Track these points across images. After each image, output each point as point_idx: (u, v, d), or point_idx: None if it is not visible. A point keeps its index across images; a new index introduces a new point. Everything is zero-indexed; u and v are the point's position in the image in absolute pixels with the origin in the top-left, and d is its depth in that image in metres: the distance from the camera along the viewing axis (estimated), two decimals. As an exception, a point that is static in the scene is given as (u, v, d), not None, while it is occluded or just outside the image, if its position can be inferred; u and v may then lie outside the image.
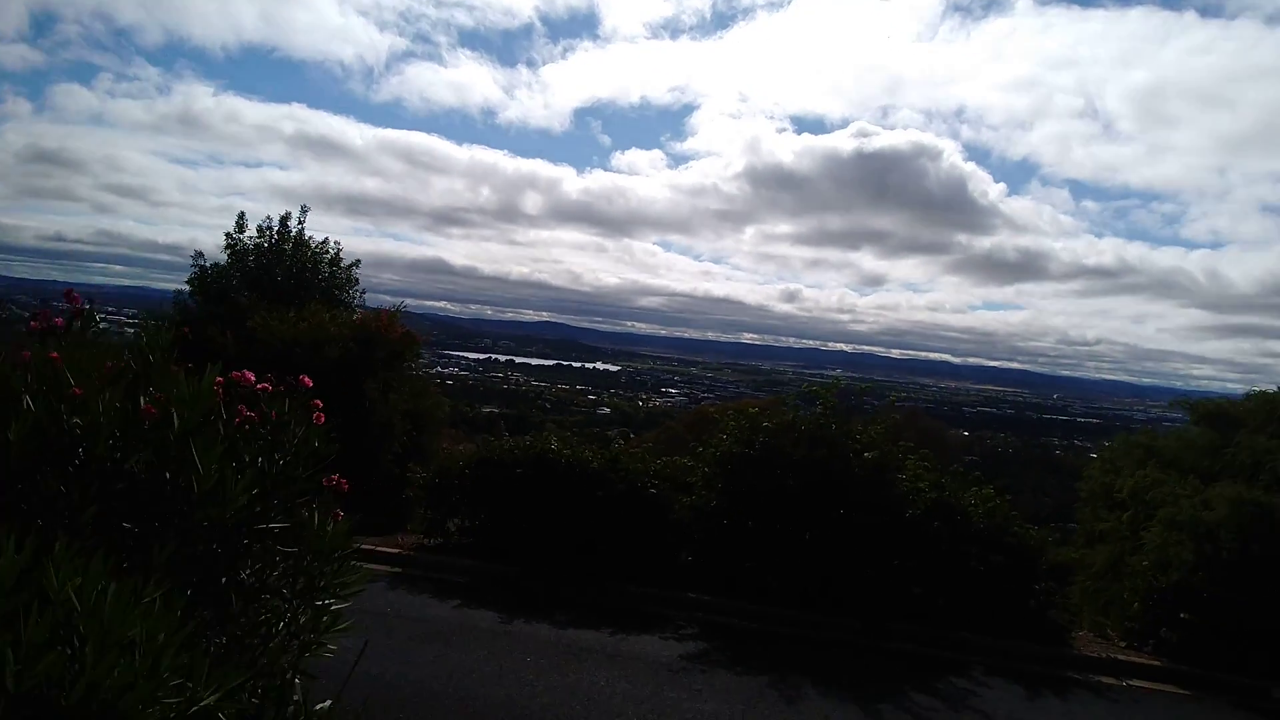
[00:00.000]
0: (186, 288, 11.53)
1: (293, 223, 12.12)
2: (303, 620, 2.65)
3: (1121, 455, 9.75)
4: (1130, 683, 6.78)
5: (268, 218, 12.05)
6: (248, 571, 2.11)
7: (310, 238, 12.28)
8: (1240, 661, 6.85)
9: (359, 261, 12.69)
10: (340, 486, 3.17)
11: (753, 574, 7.83)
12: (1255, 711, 6.39)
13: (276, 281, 11.43)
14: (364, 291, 12.60)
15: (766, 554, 7.79)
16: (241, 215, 12.08)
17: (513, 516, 8.45)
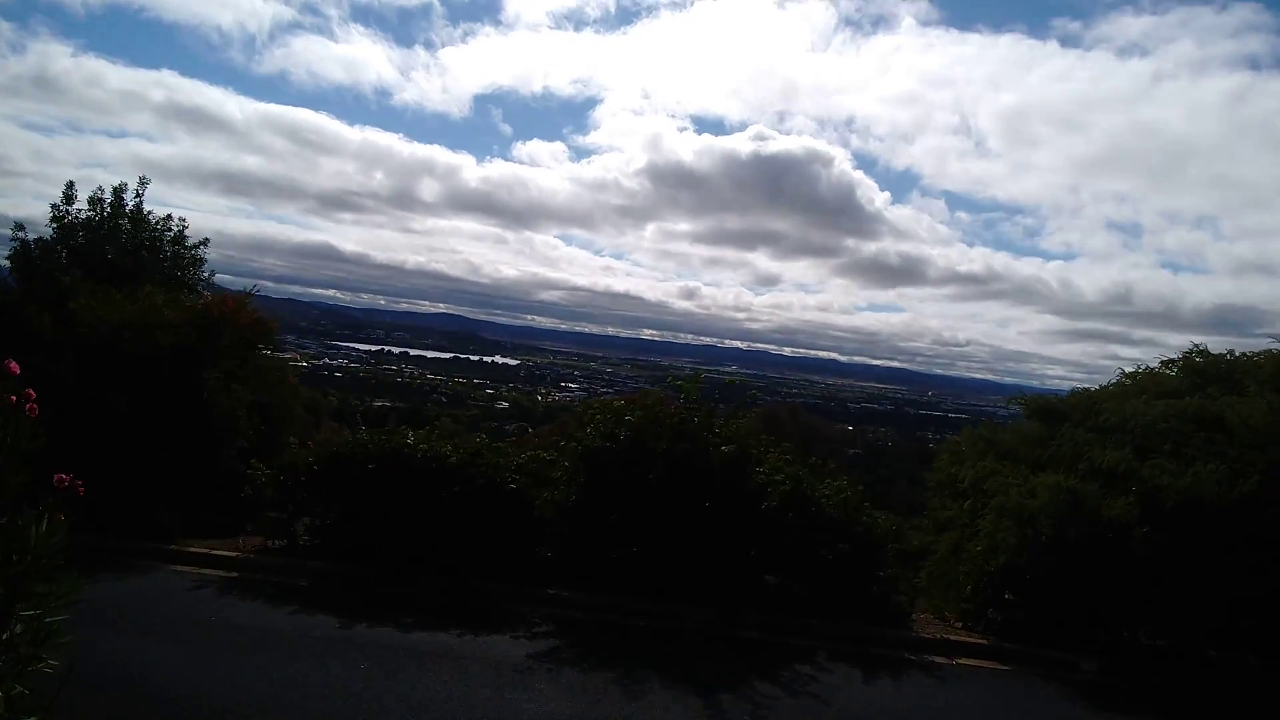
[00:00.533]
0: (5, 264, 10.33)
1: (129, 195, 11.07)
2: (19, 631, 2.34)
3: (966, 447, 10.34)
4: (959, 661, 7.19)
5: (99, 188, 10.96)
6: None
7: (150, 213, 11.27)
8: (1055, 637, 7.39)
9: (206, 240, 11.75)
10: (74, 488, 2.82)
11: (613, 567, 7.79)
12: (1066, 684, 6.89)
13: (108, 260, 10.41)
14: (212, 274, 11.70)
15: (627, 547, 7.77)
16: (70, 185, 10.93)
17: (365, 515, 8.05)
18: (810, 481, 8.26)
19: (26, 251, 10.41)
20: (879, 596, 7.68)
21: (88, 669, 5.14)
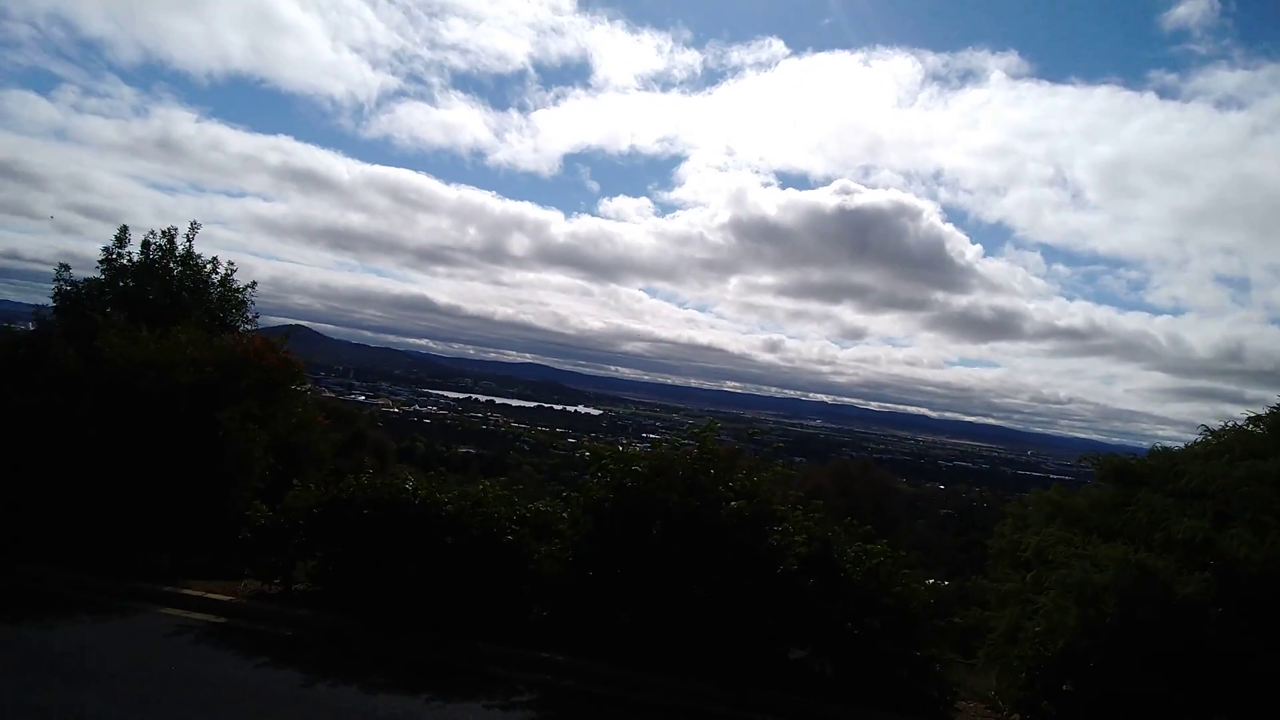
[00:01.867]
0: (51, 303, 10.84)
1: (180, 239, 11.49)
2: None
3: (1032, 511, 9.16)
4: (1007, 766, 6.09)
5: (151, 232, 11.45)
6: None
7: (199, 256, 11.65)
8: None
9: (254, 284, 12.06)
10: None
11: (613, 632, 7.11)
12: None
13: (149, 300, 10.76)
14: (257, 315, 11.96)
15: (628, 610, 7.09)
16: (123, 229, 11.46)
17: (357, 563, 7.70)
18: (841, 544, 7.39)
19: (75, 290, 10.88)
20: (911, 680, 6.67)
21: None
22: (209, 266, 11.72)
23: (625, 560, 7.07)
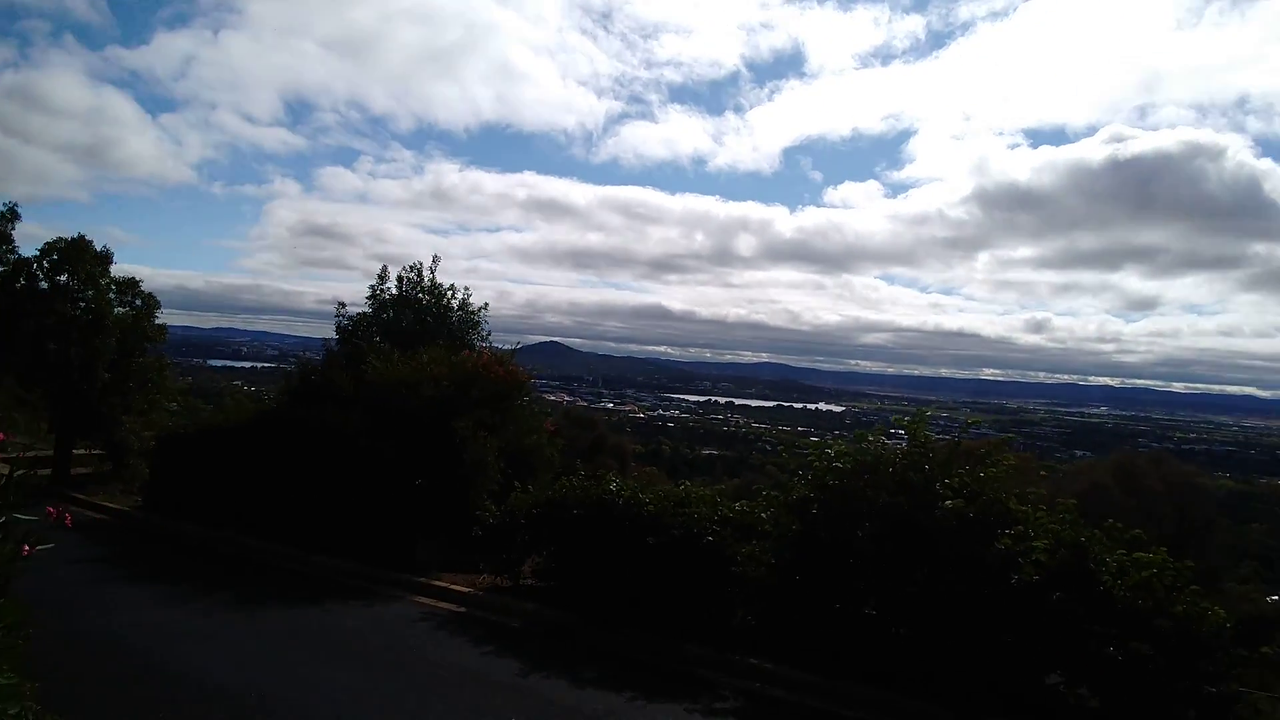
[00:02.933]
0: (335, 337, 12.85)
1: (426, 272, 13.04)
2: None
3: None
4: None
5: (404, 267, 13.13)
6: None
7: (441, 285, 13.10)
8: None
9: (486, 305, 13.29)
10: (64, 520, 3.01)
11: (824, 641, 6.64)
12: None
13: (402, 327, 12.27)
14: (490, 333, 13.16)
15: (834, 618, 6.57)
16: (384, 268, 13.26)
17: (572, 560, 8.05)
18: (1098, 551, 6.19)
19: (350, 323, 12.77)
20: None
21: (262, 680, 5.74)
22: (449, 293, 13.14)
23: (831, 564, 6.56)
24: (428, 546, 9.42)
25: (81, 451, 17.31)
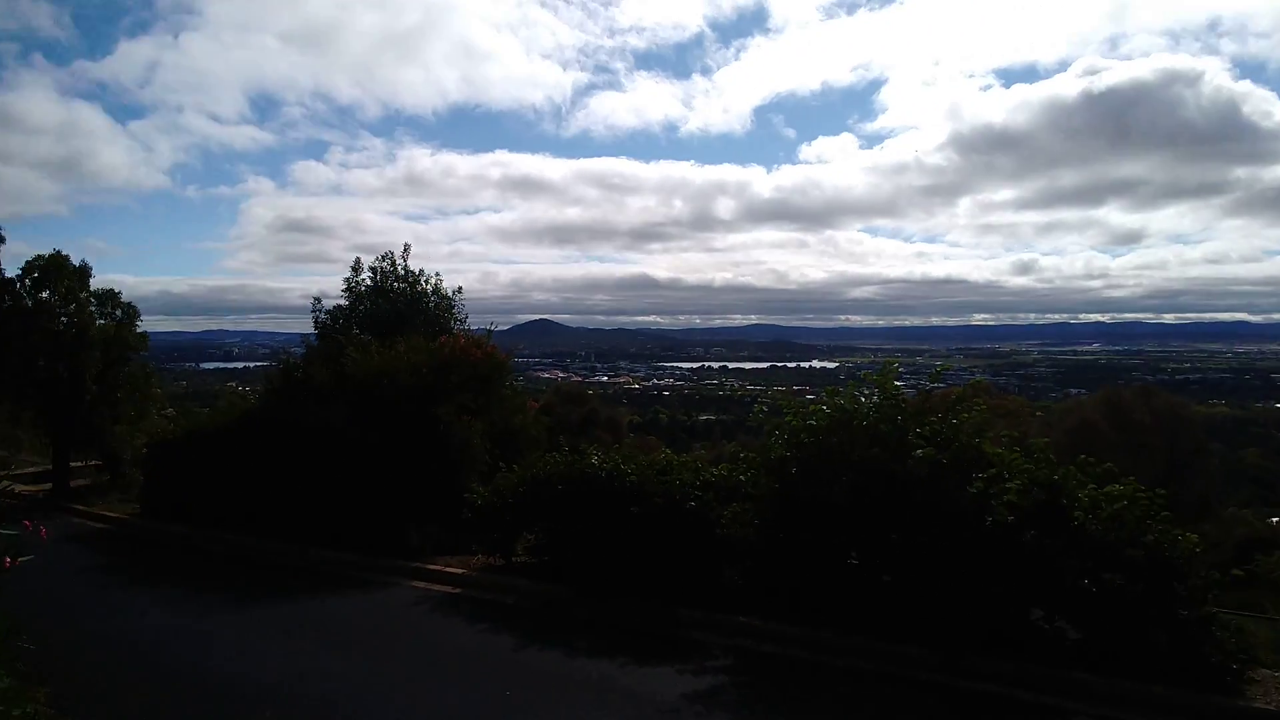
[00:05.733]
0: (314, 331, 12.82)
1: (399, 260, 12.96)
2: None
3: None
4: (1322, 752, 4.80)
5: (376, 258, 13.06)
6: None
7: (414, 272, 13.04)
8: None
9: (460, 289, 13.27)
10: (39, 533, 3.05)
11: (806, 595, 6.78)
12: None
13: (379, 318, 12.26)
14: (466, 316, 13.14)
15: (817, 573, 6.70)
16: (357, 260, 13.20)
17: (561, 535, 8.16)
18: (1072, 488, 6.31)
19: (328, 318, 12.75)
20: (1176, 645, 5.51)
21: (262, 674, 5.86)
22: (424, 279, 13.09)
23: (811, 520, 6.67)
24: (420, 531, 9.53)
25: (79, 464, 17.48)
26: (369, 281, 13.05)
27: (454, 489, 9.75)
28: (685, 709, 5.34)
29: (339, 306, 13.00)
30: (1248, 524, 22.58)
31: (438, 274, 13.18)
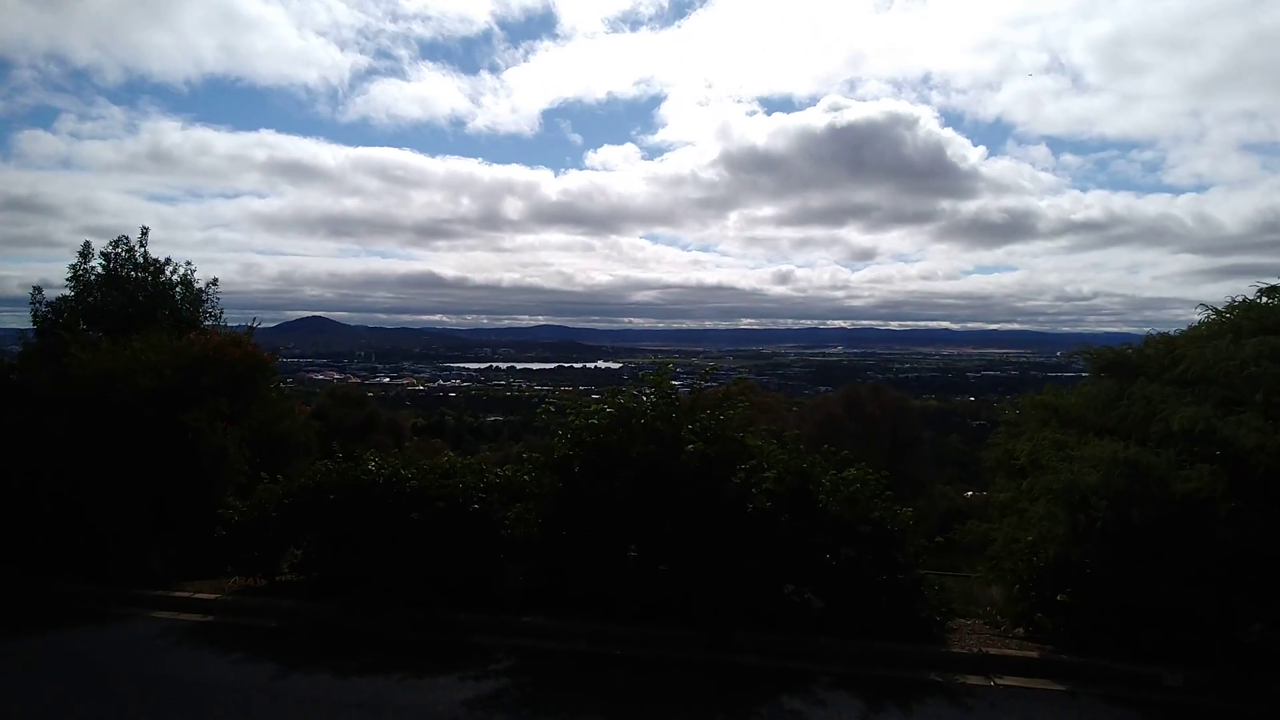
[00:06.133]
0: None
1: (135, 246, 11.31)
2: None
3: (1025, 416, 8.80)
4: (999, 682, 5.88)
5: (108, 243, 11.30)
6: None
7: (156, 260, 11.46)
8: (1124, 646, 5.96)
9: (216, 280, 11.90)
10: None
11: (589, 590, 6.99)
12: (1139, 707, 5.48)
13: (112, 311, 10.64)
14: (222, 311, 11.80)
15: (599, 567, 6.94)
16: (86, 245, 11.33)
17: (334, 549, 7.64)
18: (818, 474, 7.13)
19: (50, 311, 10.81)
20: (896, 605, 6.47)
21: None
22: (168, 268, 11.54)
23: (593, 516, 6.89)
24: (164, 555, 8.40)
25: None
26: (100, 269, 11.21)
27: (207, 504, 8.72)
28: (465, 716, 5.27)
29: (64, 298, 11.03)
30: (950, 499, 27.04)
31: (188, 263, 11.69)
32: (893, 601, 6.45)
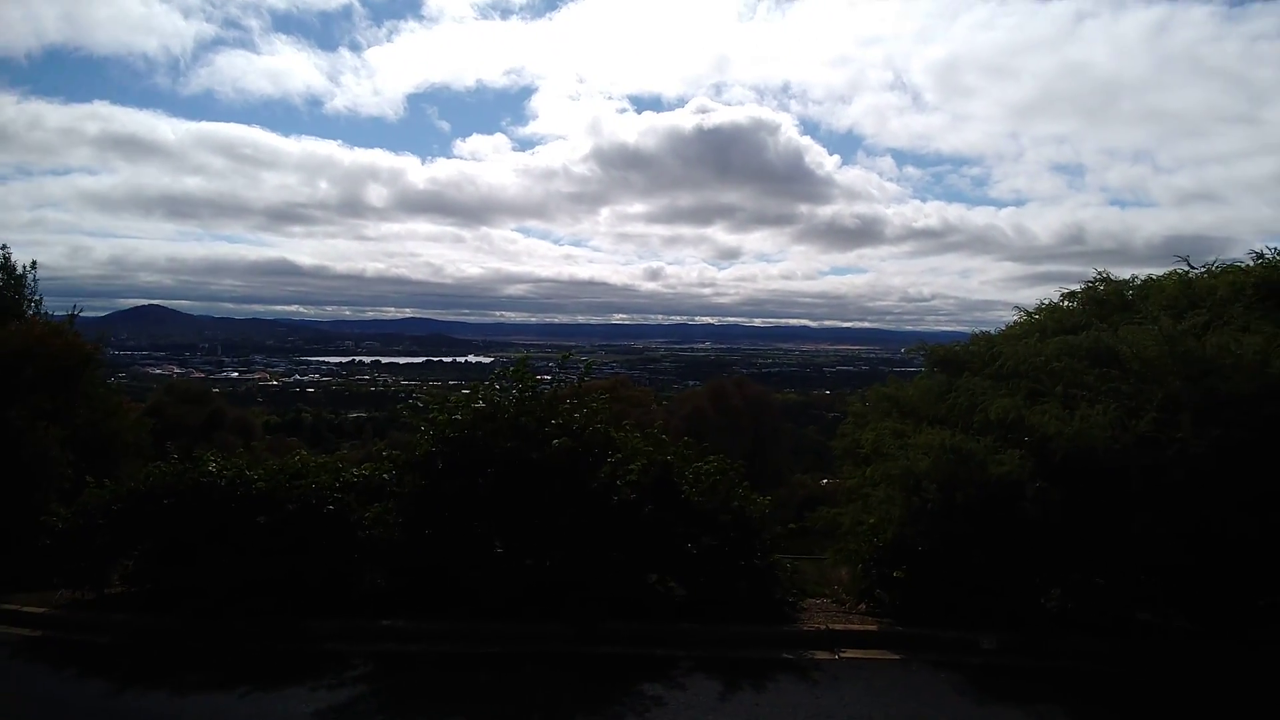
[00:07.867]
0: None
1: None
2: None
3: (870, 407, 9.51)
4: (843, 654, 6.36)
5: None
6: None
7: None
8: (950, 616, 6.60)
9: (35, 263, 10.61)
10: None
11: (454, 588, 6.88)
12: (960, 670, 6.08)
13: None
14: (40, 299, 10.55)
15: (463, 565, 6.85)
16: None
17: (170, 558, 7.06)
18: (679, 466, 7.37)
19: None
20: (753, 589, 6.83)
21: None
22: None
23: (457, 515, 6.78)
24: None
25: None
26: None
27: (29, 511, 7.83)
28: (318, 730, 5.06)
29: None
30: (807, 487, 28.73)
31: (5, 245, 10.31)
32: (750, 586, 6.80)
